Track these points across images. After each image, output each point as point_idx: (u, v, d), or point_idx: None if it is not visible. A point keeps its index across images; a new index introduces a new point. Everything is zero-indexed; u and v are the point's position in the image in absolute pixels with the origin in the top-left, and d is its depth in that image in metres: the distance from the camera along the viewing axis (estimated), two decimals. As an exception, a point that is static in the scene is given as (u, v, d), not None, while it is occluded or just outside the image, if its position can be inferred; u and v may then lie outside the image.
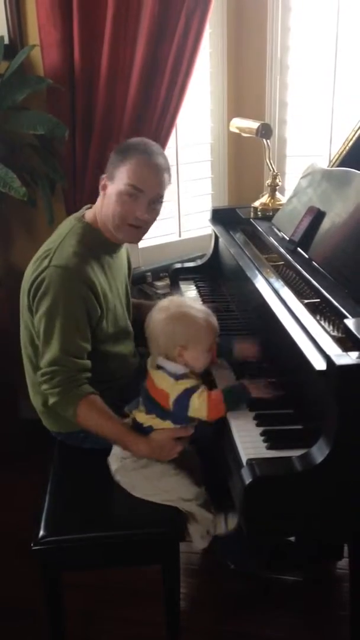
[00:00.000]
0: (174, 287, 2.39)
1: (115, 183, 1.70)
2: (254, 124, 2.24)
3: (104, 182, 1.75)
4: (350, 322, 1.31)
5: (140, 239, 1.84)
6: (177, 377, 1.50)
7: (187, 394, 1.48)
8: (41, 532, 1.54)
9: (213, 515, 1.59)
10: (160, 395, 1.52)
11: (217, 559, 2.04)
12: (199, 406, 1.47)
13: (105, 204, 1.73)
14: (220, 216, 2.38)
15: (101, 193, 1.76)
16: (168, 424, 1.54)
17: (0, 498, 2.45)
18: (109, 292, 1.75)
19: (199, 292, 2.31)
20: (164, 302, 1.61)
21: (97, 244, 1.74)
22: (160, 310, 1.56)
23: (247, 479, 1.21)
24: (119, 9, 2.29)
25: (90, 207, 1.84)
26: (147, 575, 1.93)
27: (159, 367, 1.54)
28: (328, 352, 1.24)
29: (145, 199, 1.70)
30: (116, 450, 1.64)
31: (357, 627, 1.53)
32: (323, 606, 1.95)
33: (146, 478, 1.58)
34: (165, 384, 1.51)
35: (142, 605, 1.94)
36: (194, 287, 2.37)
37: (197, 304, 1.62)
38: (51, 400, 1.63)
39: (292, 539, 1.89)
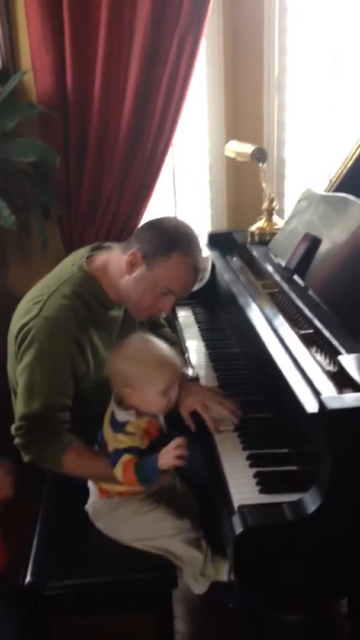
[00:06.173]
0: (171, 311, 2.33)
1: (153, 274, 1.59)
2: (248, 148, 2.19)
3: (136, 259, 1.60)
4: (345, 360, 1.25)
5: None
6: (116, 428, 1.47)
7: (118, 453, 1.44)
8: (28, 578, 1.48)
9: (203, 554, 1.47)
10: (107, 439, 1.50)
11: (216, 597, 1.96)
12: (116, 468, 1.43)
13: (130, 282, 1.62)
14: (216, 240, 2.33)
15: (127, 264, 1.61)
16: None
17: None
18: (100, 346, 1.66)
19: (196, 318, 2.26)
20: (128, 339, 1.54)
21: (92, 298, 1.65)
22: (120, 347, 1.52)
23: (238, 529, 1.15)
24: (111, 32, 2.27)
25: (98, 248, 1.75)
26: (143, 616, 1.85)
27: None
28: (321, 393, 1.18)
29: (175, 298, 1.65)
30: (90, 496, 1.59)
31: None
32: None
33: (121, 520, 1.51)
34: (106, 431, 1.50)
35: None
36: (191, 313, 2.31)
37: (162, 345, 1.53)
38: (27, 457, 1.55)
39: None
